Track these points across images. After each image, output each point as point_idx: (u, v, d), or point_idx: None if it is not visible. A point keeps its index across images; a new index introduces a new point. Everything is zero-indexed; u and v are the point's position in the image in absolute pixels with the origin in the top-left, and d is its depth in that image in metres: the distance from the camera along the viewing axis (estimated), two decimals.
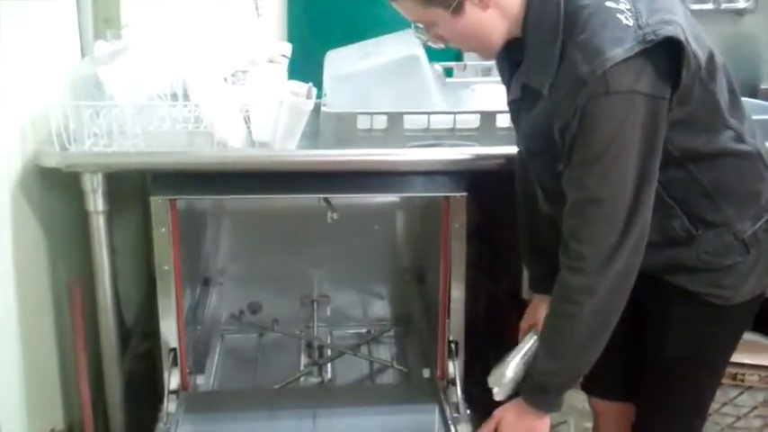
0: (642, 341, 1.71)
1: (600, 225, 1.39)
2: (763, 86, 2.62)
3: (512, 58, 1.51)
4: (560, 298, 1.46)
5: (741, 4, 2.78)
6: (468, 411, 1.90)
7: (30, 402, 1.79)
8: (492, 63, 2.27)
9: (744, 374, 2.06)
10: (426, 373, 2.13)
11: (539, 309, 1.71)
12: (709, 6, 2.75)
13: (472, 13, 1.41)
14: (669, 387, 1.63)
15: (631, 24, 1.31)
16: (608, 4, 1.33)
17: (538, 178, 1.58)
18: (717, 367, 1.66)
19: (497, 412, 1.58)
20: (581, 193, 1.39)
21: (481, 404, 2.06)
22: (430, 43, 1.50)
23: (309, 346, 2.37)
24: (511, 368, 1.64)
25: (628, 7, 1.33)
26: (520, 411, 1.54)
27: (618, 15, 1.32)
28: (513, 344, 2.27)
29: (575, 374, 1.55)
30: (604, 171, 1.36)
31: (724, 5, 2.76)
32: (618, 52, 1.29)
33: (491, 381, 1.66)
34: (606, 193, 1.37)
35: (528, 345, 1.67)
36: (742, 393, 2.08)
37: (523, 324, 1.79)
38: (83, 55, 2.15)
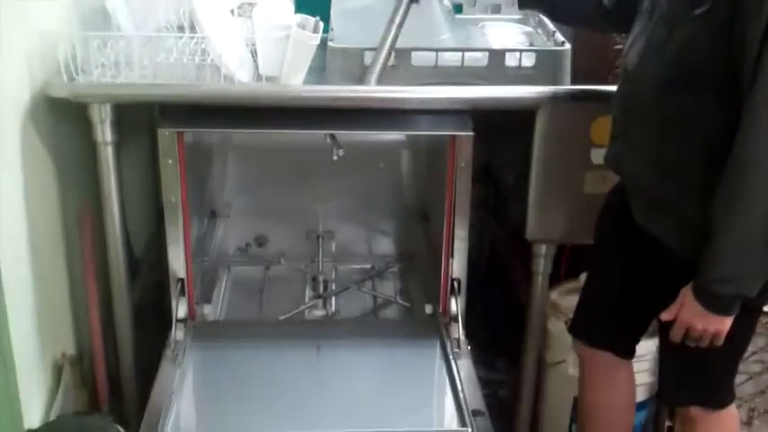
0: (637, 296, 1.71)
1: None
2: None
3: None
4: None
5: None
6: (469, 347, 1.93)
7: (42, 328, 1.83)
8: (501, 0, 2.27)
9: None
10: (429, 308, 2.16)
11: None
12: None
13: None
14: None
15: None
16: None
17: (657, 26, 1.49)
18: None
19: (682, 294, 1.49)
20: None
21: (481, 340, 2.11)
22: None
23: (314, 280, 2.40)
24: None
25: None
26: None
27: None
28: (515, 283, 2.31)
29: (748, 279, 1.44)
30: None
31: None
32: None
33: None
34: None
35: None
36: None
37: None
38: None
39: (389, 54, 1.80)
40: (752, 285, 1.44)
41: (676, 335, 1.52)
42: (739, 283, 1.43)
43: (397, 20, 1.78)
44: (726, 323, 1.47)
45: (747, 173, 1.36)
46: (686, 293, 1.48)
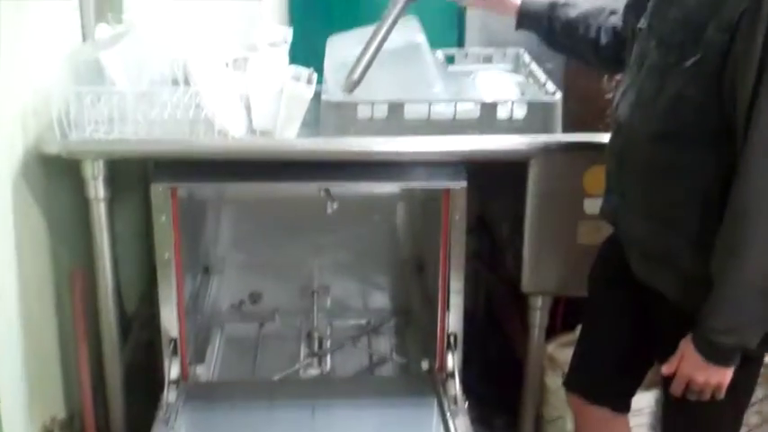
0: (633, 349, 1.69)
1: None
2: None
3: None
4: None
5: None
6: (466, 404, 1.90)
7: (31, 390, 1.79)
8: (493, 51, 2.29)
9: None
10: (425, 364, 2.12)
11: None
12: None
13: None
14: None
15: None
16: None
17: (645, 76, 1.50)
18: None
19: (682, 346, 1.47)
20: None
21: (478, 394, 2.08)
22: None
23: (309, 336, 2.37)
24: None
25: None
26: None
27: None
28: (511, 336, 2.28)
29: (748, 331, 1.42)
30: None
31: None
32: None
33: None
34: None
35: None
36: None
37: None
38: (84, 38, 2.14)
39: (377, 52, 1.77)
40: (752, 335, 1.42)
41: (677, 388, 1.49)
42: (739, 334, 1.42)
43: (393, 14, 1.74)
44: (727, 375, 1.45)
45: (744, 222, 1.36)
46: (686, 345, 1.46)
